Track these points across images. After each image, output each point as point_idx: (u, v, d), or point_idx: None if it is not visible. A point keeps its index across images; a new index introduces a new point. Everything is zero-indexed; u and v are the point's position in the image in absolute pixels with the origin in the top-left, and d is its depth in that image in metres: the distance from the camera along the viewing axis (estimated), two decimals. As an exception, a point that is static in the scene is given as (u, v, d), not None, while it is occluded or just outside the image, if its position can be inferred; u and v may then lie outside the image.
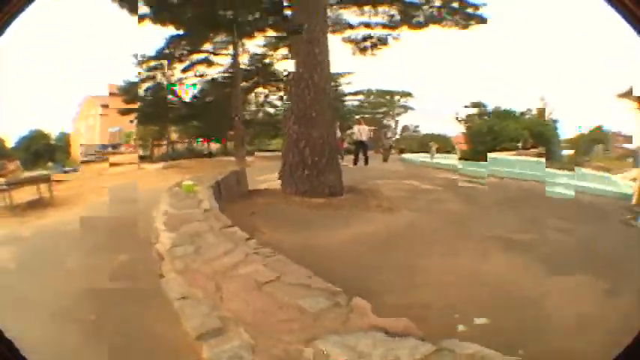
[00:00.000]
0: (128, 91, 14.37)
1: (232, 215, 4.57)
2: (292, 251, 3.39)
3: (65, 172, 11.23)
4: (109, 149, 13.56)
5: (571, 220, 5.08)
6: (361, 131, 11.25)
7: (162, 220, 4.74)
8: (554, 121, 18.55)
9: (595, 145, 16.69)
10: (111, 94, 15.09)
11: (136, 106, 14.66)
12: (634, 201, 6.66)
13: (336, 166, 7.20)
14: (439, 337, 2.21)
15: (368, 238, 4.10)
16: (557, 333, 2.49)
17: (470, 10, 11.53)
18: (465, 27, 10.92)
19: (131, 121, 15.56)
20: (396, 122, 20.88)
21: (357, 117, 17.64)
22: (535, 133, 15.80)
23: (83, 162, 12.64)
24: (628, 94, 7.90)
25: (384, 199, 5.43)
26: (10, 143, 14.83)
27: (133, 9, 10.88)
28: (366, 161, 10.72)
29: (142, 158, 15.60)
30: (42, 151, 15.63)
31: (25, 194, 7.62)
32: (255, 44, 15.22)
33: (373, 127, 14.63)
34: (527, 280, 3.11)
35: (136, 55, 13.89)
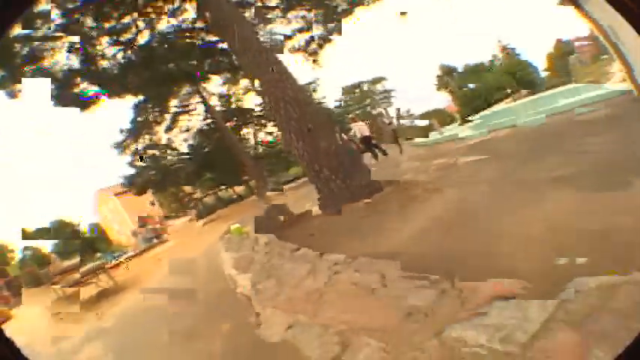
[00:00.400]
0: (132, 184, 14.62)
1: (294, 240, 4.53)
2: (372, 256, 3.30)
3: (115, 258, 11.31)
4: (154, 240, 14.70)
5: (600, 134, 4.90)
6: (360, 128, 11.10)
7: (231, 266, 4.73)
8: (516, 53, 18.49)
9: (567, 57, 16.33)
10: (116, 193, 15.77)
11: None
12: (637, 93, 6.33)
13: (362, 164, 7.01)
14: (555, 288, 2.08)
15: (437, 222, 3.86)
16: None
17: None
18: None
19: (152, 203, 15.96)
20: (385, 109, 20.90)
21: (350, 116, 17.62)
22: (515, 76, 15.68)
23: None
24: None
25: (425, 183, 5.25)
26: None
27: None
28: (384, 152, 10.56)
29: (167, 218, 16.12)
30: (82, 247, 15.85)
31: (89, 288, 7.66)
32: (217, 84, 15.17)
33: (371, 118, 14.54)
34: (600, 203, 2.97)
35: (122, 131, 14.09)
